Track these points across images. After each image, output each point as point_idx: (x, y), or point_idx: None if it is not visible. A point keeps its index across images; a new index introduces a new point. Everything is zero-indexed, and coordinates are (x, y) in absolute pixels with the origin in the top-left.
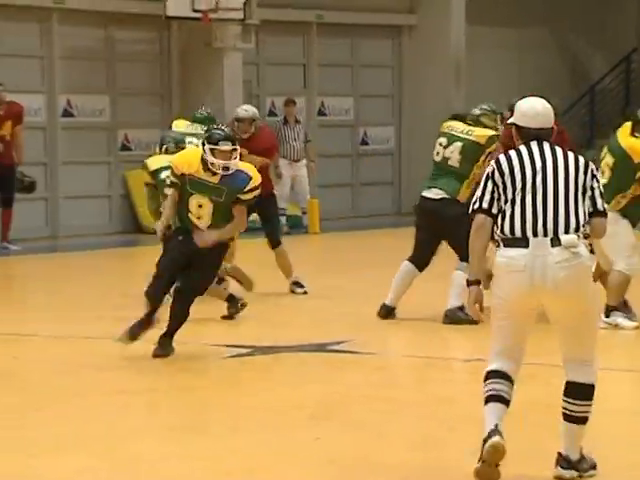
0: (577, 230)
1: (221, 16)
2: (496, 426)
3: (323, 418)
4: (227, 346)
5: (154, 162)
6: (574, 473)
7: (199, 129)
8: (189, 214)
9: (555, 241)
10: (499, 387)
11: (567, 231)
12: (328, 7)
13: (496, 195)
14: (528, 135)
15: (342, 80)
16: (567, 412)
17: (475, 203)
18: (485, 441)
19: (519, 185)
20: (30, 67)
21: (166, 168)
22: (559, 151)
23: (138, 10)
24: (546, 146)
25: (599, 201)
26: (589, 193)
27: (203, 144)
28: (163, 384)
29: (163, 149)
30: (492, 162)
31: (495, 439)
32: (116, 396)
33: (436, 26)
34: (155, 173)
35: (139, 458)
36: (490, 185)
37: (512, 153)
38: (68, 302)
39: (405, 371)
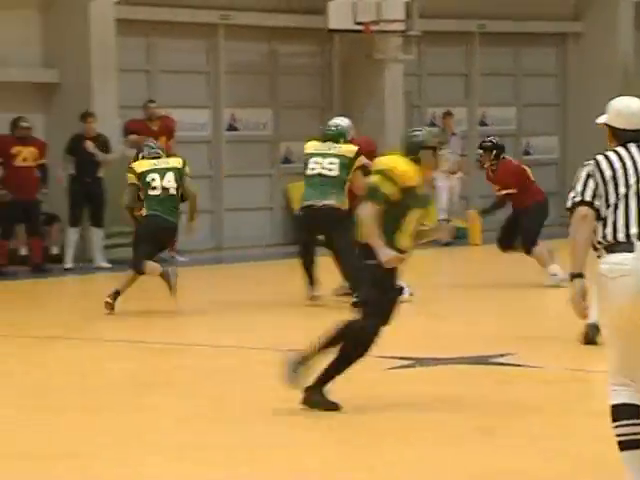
0: None
1: (383, 28)
2: None
3: (500, 427)
4: (387, 357)
5: (140, 165)
6: None
7: (330, 148)
8: (399, 231)
9: None
10: (632, 430)
11: None
12: (490, 16)
13: (597, 193)
14: (624, 137)
15: (504, 89)
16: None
17: (576, 197)
18: None
19: (622, 190)
20: (196, 83)
21: (152, 171)
22: None
23: (301, 24)
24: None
25: None
26: None
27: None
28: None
29: (140, 156)
30: (591, 163)
31: None
32: (285, 416)
33: (603, 33)
34: (141, 175)
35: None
36: (592, 183)
37: (612, 156)
38: (232, 311)
39: (574, 385)
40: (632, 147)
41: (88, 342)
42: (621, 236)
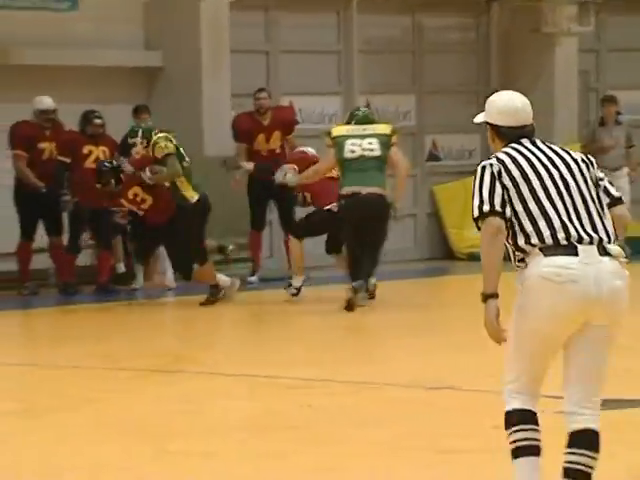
0: (613, 235)
1: None
2: None
3: None
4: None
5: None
6: None
7: (366, 129)
8: None
9: (601, 249)
10: (529, 435)
11: (608, 236)
12: None
13: (507, 198)
14: (511, 135)
15: None
16: (577, 467)
17: (483, 205)
18: None
19: (539, 189)
20: (325, 65)
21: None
22: (556, 147)
23: None
24: (539, 143)
25: (612, 189)
26: (601, 186)
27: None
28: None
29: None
30: (493, 163)
31: None
32: (440, 454)
33: None
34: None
35: None
36: (499, 187)
37: (514, 154)
38: (364, 339)
39: None
40: (527, 143)
41: (196, 375)
42: (561, 236)
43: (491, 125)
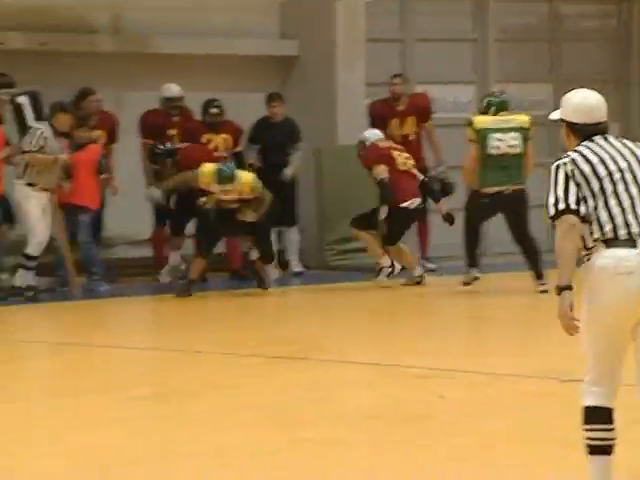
0: None
1: None
2: None
3: None
4: None
5: None
6: None
7: (508, 122)
8: None
9: None
10: (603, 435)
11: None
12: None
13: (581, 196)
14: (586, 132)
15: None
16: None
17: (559, 204)
18: None
19: (608, 184)
20: (460, 53)
21: None
22: (630, 143)
23: None
24: (612, 139)
25: None
26: None
27: None
28: None
29: None
30: (567, 162)
31: None
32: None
33: None
34: None
35: None
36: (573, 186)
37: (585, 151)
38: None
39: None
40: (599, 140)
41: (324, 363)
42: (622, 233)
43: (566, 122)
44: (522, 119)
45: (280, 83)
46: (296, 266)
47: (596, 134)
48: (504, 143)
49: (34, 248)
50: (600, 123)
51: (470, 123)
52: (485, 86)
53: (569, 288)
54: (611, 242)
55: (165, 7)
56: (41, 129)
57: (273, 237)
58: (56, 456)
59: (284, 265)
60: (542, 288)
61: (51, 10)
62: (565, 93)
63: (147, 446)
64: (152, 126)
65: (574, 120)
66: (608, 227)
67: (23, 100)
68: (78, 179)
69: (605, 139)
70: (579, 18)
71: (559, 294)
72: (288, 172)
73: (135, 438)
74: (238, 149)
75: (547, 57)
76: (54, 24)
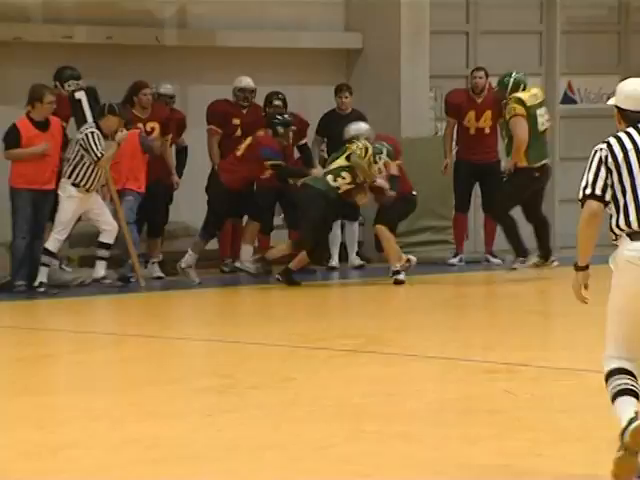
0: None
1: None
2: (636, 414)
3: None
4: None
5: None
6: None
7: (537, 99)
8: None
9: None
10: (627, 381)
11: None
12: None
13: (609, 182)
14: (634, 118)
15: None
16: None
17: (586, 188)
18: (624, 430)
19: (637, 173)
20: (526, 45)
21: None
22: None
23: None
24: None
25: None
26: None
27: None
28: None
29: None
30: (604, 147)
31: (638, 423)
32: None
33: None
34: None
35: None
36: (603, 171)
37: (623, 136)
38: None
39: None
40: None
41: (390, 357)
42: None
43: (618, 108)
44: (541, 93)
45: (344, 76)
46: (355, 259)
47: None
48: (544, 119)
49: (53, 243)
50: None
51: (520, 101)
52: (552, 78)
53: (586, 268)
54: (635, 235)
55: (231, 1)
56: (96, 131)
57: (337, 231)
58: (118, 448)
59: (345, 258)
60: (556, 263)
61: (117, 4)
62: None
63: (212, 439)
64: (218, 113)
65: (624, 106)
66: (633, 217)
67: (81, 95)
68: (121, 163)
69: None
70: None
71: (577, 271)
72: None
73: (199, 431)
74: (303, 142)
75: (615, 49)
76: (120, 18)
